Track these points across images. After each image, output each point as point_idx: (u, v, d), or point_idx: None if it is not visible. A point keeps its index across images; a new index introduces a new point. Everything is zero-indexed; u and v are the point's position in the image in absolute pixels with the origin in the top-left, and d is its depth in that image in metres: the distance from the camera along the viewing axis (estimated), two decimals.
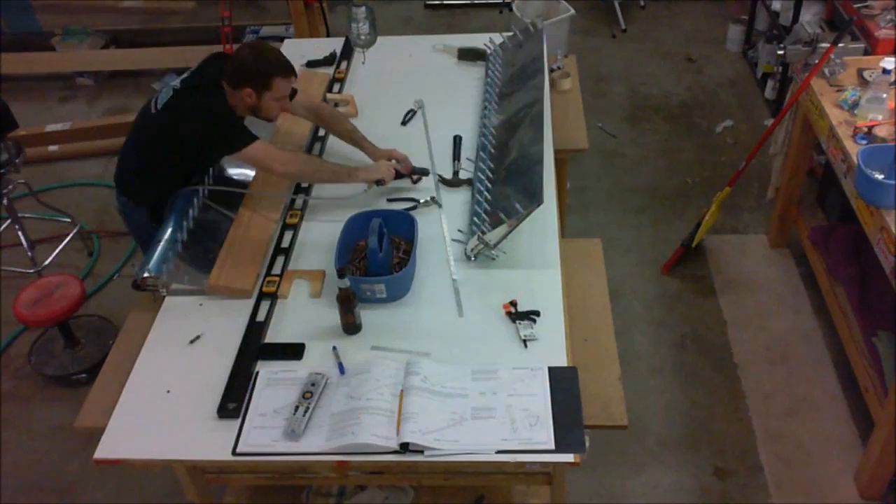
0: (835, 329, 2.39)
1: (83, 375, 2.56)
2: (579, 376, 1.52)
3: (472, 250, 1.77)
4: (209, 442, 1.46)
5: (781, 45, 2.78)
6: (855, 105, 2.20)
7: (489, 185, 1.90)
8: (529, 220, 1.87)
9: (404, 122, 2.26)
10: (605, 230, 2.99)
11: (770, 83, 3.51)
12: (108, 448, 1.47)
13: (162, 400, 1.53)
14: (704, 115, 3.61)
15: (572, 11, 3.73)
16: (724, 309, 2.65)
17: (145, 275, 1.75)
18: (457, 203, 1.95)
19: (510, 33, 2.49)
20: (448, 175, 2.03)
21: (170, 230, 1.86)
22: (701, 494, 2.13)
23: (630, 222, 3.05)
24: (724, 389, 2.40)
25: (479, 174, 1.96)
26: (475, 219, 1.83)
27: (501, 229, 1.72)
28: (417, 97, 2.35)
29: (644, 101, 3.74)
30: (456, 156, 2.09)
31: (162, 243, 1.82)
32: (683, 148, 3.42)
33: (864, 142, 2.10)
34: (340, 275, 1.56)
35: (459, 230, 1.84)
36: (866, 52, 2.58)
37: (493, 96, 2.25)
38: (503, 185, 1.87)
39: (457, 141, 2.14)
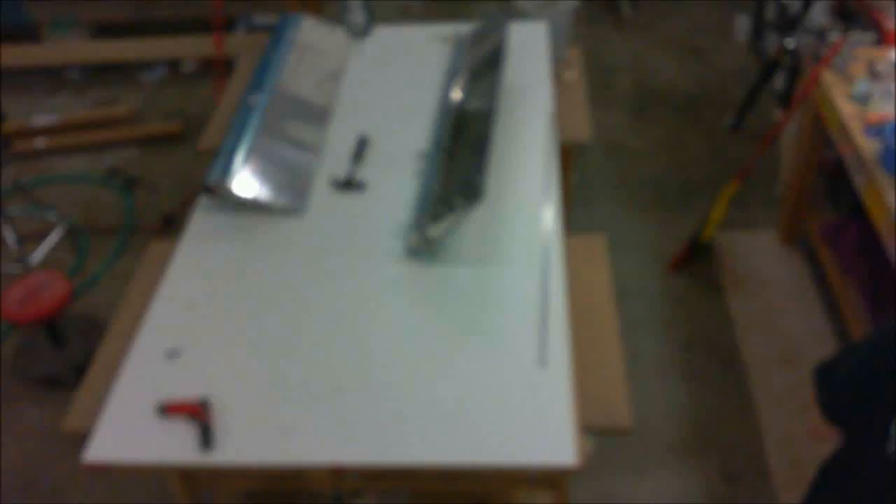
0: (847, 328, 2.34)
1: (71, 375, 2.50)
2: (582, 377, 1.46)
3: (414, 245, 1.74)
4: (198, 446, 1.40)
5: (791, 37, 2.72)
6: (866, 98, 2.14)
7: (438, 178, 1.87)
8: (532, 215, 1.82)
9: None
10: (610, 226, 2.93)
11: (779, 75, 3.44)
12: (97, 451, 1.42)
13: (151, 402, 1.48)
14: (712, 106, 3.56)
15: (576, 1, 3.65)
16: (732, 308, 2.60)
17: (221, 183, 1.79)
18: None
19: (478, 24, 2.42)
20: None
21: (244, 141, 1.91)
22: (708, 499, 2.09)
23: (635, 217, 2.99)
24: (733, 391, 2.35)
25: (430, 168, 1.92)
26: (419, 212, 1.79)
27: (443, 224, 1.70)
28: (408, 88, 2.29)
29: (650, 92, 3.68)
30: (356, 158, 2.00)
31: (233, 154, 1.87)
32: (690, 141, 3.37)
33: (876, 135, 2.04)
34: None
35: (402, 224, 1.80)
36: (877, 44, 2.51)
37: (453, 88, 2.20)
38: (451, 179, 1.85)
39: (362, 142, 2.03)
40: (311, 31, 2.39)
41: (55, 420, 2.34)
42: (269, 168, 1.89)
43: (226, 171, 1.84)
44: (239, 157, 1.87)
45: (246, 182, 1.84)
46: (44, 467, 2.28)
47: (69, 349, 2.57)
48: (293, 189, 1.89)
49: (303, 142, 2.03)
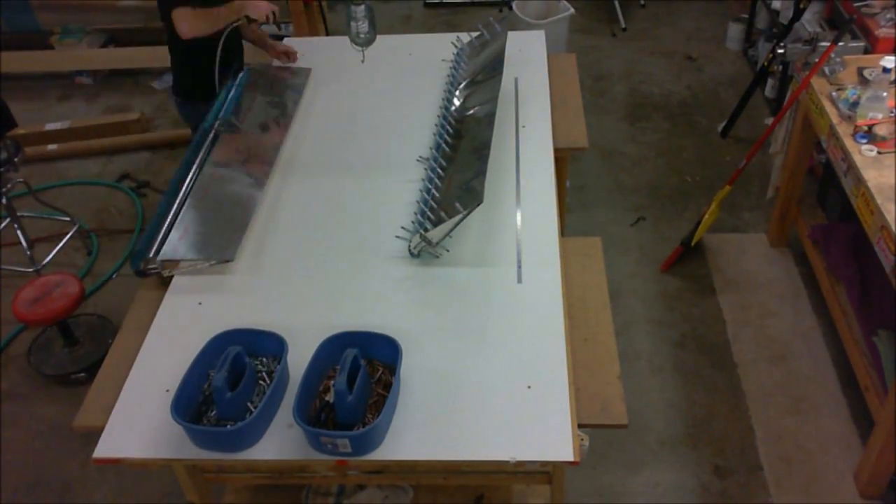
0: (835, 328, 2.40)
1: (82, 374, 2.56)
2: (580, 375, 1.51)
3: (415, 247, 1.78)
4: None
5: (781, 44, 2.78)
6: (855, 104, 2.20)
7: (438, 182, 1.91)
8: (529, 219, 1.88)
9: None
10: (605, 229, 2.99)
11: (770, 82, 3.51)
12: (107, 447, 1.47)
13: (161, 399, 1.52)
14: (704, 113, 3.61)
15: (572, 10, 3.73)
16: (723, 308, 2.65)
17: (148, 258, 1.78)
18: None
19: (477, 33, 2.49)
20: None
21: (169, 214, 1.89)
22: (701, 493, 2.14)
23: (630, 221, 3.05)
24: (724, 388, 2.40)
25: (430, 172, 1.96)
26: (419, 216, 1.83)
27: (443, 227, 1.74)
28: (406, 95, 2.36)
29: (644, 99, 3.74)
30: None
31: (158, 227, 1.85)
32: (683, 146, 3.42)
33: (865, 141, 2.10)
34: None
35: (403, 227, 1.85)
36: (866, 51, 2.57)
37: (453, 95, 2.26)
38: (450, 183, 1.89)
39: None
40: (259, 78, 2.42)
41: (67, 417, 2.39)
42: (196, 229, 1.85)
43: (152, 247, 1.80)
44: (162, 233, 1.83)
45: (173, 251, 1.79)
46: (56, 463, 2.33)
47: (81, 348, 2.64)
48: (222, 241, 1.83)
49: (239, 191, 1.97)
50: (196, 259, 1.79)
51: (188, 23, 2.10)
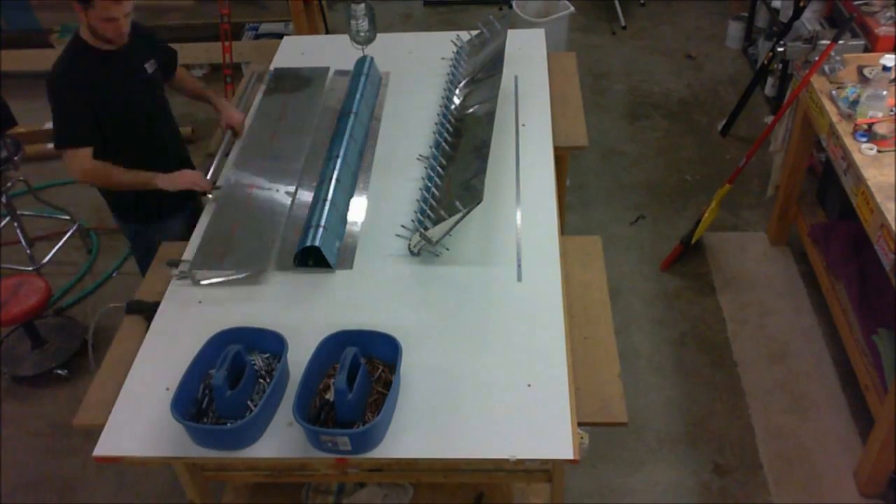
0: (835, 326, 2.40)
1: (63, 371, 2.55)
2: (580, 373, 1.51)
3: (415, 246, 1.78)
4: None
5: (781, 43, 2.78)
6: (855, 102, 2.20)
7: (438, 181, 1.91)
8: (529, 217, 1.88)
9: None
10: (605, 227, 2.99)
11: (770, 80, 3.51)
12: (108, 446, 1.47)
13: (161, 397, 1.53)
14: (704, 112, 3.61)
15: (572, 9, 3.73)
16: (723, 306, 2.65)
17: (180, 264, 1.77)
18: None
19: (477, 31, 2.48)
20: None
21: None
22: (700, 492, 2.14)
23: (630, 219, 3.05)
24: (724, 387, 2.40)
25: (430, 171, 1.96)
26: (419, 214, 1.83)
27: (443, 226, 1.74)
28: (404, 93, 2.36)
29: (644, 98, 3.74)
30: None
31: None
32: (683, 145, 3.42)
33: (864, 139, 2.10)
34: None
35: (403, 226, 1.85)
36: (866, 50, 2.57)
37: (453, 93, 2.26)
38: (450, 182, 1.89)
39: None
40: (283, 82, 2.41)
41: (65, 416, 2.40)
42: (227, 247, 1.82)
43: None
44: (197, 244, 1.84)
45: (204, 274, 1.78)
46: (55, 462, 2.33)
47: (51, 346, 2.60)
48: (254, 256, 1.80)
49: (270, 202, 1.95)
50: (231, 273, 1.76)
51: (80, 170, 1.92)
